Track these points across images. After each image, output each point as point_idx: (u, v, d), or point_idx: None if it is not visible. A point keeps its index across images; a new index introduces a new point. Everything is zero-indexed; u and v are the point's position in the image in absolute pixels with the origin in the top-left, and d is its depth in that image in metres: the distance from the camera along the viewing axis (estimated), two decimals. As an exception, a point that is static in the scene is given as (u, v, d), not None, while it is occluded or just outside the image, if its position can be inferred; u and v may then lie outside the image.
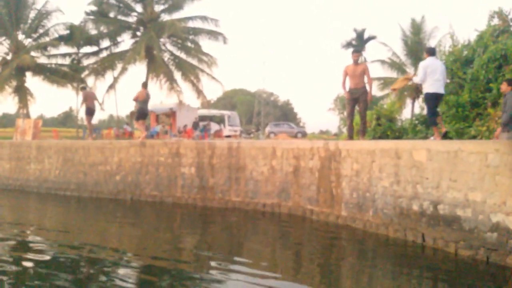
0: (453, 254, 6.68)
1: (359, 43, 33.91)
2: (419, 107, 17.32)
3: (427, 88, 8.58)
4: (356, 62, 9.72)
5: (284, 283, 5.83)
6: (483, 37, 12.79)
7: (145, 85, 14.30)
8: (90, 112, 14.75)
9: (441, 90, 8.57)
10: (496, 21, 13.12)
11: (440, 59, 14.04)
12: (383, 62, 29.78)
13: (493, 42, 12.30)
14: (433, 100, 8.67)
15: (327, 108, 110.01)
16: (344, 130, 16.15)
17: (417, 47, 28.69)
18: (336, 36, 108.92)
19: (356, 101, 9.79)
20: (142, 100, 13.40)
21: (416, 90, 27.59)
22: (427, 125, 12.50)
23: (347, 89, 9.82)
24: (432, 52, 8.87)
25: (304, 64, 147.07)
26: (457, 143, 7.05)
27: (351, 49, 34.62)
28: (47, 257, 7.22)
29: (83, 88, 15.70)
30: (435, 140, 8.17)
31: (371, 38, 34.15)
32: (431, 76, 8.47)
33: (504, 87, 8.04)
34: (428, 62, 8.56)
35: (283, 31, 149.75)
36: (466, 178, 6.62)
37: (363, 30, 34.54)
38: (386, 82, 29.94)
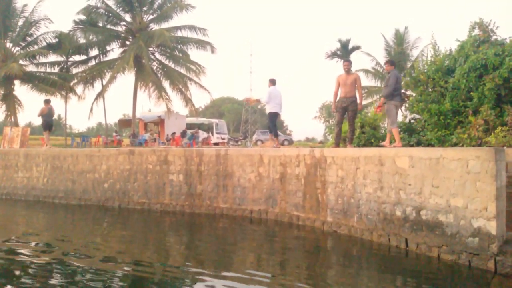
0: (436, 259, 6.78)
1: (343, 53, 34.21)
2: (402, 115, 17.58)
3: (270, 109, 11.58)
4: (347, 72, 9.86)
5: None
6: (464, 47, 13.04)
7: (47, 101, 16.22)
8: None
9: (279, 111, 11.75)
10: (477, 31, 13.38)
11: (422, 68, 14.47)
12: (367, 71, 30.19)
13: (474, 52, 12.53)
14: (274, 117, 11.73)
15: (312, 116, 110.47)
16: (330, 137, 16.32)
17: (399, 57, 29.14)
18: (322, 46, 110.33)
19: (346, 109, 9.90)
20: (46, 114, 15.72)
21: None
22: (409, 132, 12.72)
23: (338, 97, 9.99)
24: (274, 82, 11.73)
25: (290, 73, 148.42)
26: (439, 150, 7.14)
27: (335, 59, 35.08)
28: (31, 265, 7.17)
29: None
30: (417, 148, 8.36)
31: (356, 48, 34.42)
32: (274, 100, 11.54)
33: (387, 67, 9.40)
34: (271, 90, 11.57)
35: (270, 41, 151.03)
36: (448, 184, 6.72)
37: (348, 41, 34.79)
38: (370, 91, 30.42)
